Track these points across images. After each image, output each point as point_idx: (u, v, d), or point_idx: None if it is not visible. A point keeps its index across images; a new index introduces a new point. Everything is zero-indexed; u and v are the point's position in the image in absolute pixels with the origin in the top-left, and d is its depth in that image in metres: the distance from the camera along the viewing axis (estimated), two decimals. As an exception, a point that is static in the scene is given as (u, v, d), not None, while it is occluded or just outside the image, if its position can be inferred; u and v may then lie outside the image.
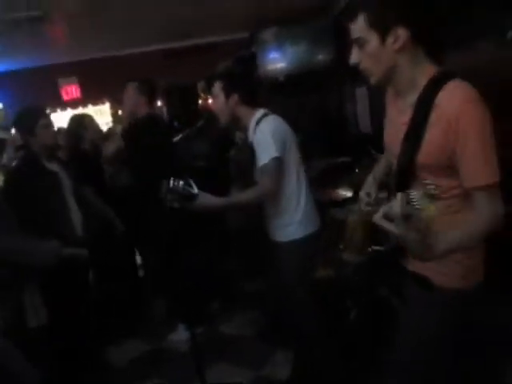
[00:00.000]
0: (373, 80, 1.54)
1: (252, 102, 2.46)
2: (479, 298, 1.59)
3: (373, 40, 1.44)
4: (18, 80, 5.83)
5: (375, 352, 2.57)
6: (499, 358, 2.21)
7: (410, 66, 1.47)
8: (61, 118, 5.58)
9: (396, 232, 1.20)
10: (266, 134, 2.29)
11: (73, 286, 2.90)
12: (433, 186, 1.21)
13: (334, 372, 2.54)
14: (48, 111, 5.12)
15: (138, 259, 4.45)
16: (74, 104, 6.26)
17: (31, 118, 2.85)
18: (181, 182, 2.13)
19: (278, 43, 5.60)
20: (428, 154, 1.44)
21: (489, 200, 1.40)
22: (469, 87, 1.40)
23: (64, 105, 6.23)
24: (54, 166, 2.97)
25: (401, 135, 1.52)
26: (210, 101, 2.59)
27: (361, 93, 5.18)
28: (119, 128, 4.60)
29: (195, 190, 2.16)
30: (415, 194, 1.18)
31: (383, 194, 1.76)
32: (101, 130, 4.56)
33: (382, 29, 1.42)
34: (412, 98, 1.48)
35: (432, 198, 1.17)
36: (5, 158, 3.84)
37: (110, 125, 6.13)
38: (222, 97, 2.41)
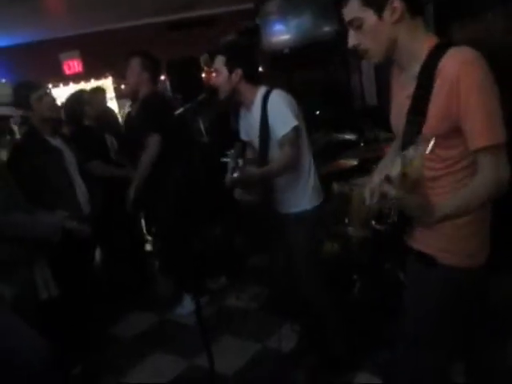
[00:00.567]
0: (375, 60, 1.52)
1: (255, 78, 2.43)
2: (483, 277, 1.57)
3: (369, 17, 1.42)
4: (20, 55, 5.78)
5: (380, 324, 2.61)
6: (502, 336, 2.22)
7: (410, 38, 1.45)
8: (63, 93, 5.53)
9: (394, 194, 1.21)
10: (281, 105, 2.31)
11: (79, 260, 2.93)
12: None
13: (340, 343, 2.57)
14: (50, 86, 5.12)
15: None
16: (76, 79, 6.21)
17: (24, 93, 2.81)
18: (240, 161, 2.18)
19: (282, 15, 5.49)
20: (434, 123, 1.41)
21: (492, 162, 1.36)
22: (470, 50, 1.38)
23: (66, 80, 6.18)
24: (57, 142, 2.95)
25: (404, 111, 1.50)
26: (213, 74, 2.53)
27: (367, 64, 5.10)
28: (128, 105, 4.58)
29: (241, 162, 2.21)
30: (410, 152, 1.18)
31: None
32: (105, 105, 4.55)
33: (378, 4, 1.41)
34: (414, 69, 1.46)
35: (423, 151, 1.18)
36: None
37: (114, 99, 6.08)
38: (224, 71, 2.37)
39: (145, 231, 4.56)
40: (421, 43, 1.45)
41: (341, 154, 3.59)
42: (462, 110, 1.36)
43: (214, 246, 3.92)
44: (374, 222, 1.61)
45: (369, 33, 1.45)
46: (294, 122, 2.30)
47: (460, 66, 1.35)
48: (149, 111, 3.26)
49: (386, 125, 2.01)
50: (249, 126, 2.50)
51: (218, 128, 4.09)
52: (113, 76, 6.29)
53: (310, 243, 2.49)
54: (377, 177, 1.72)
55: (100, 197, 3.14)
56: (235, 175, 2.20)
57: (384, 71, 1.81)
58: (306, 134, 2.46)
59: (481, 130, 1.36)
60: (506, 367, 1.95)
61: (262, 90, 2.39)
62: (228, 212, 3.73)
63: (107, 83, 6.29)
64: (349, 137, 3.98)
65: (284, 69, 5.58)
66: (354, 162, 3.37)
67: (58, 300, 2.56)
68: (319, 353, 2.67)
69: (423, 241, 1.54)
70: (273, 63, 5.65)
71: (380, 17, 1.41)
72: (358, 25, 1.45)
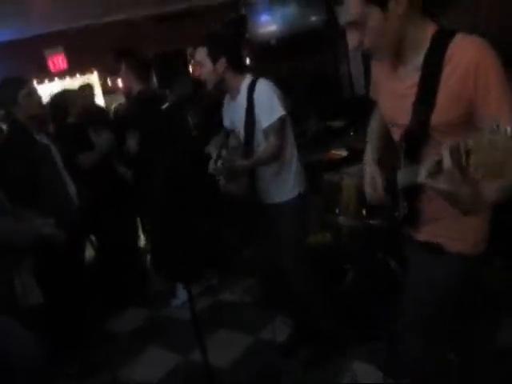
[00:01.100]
0: (380, 55, 1.48)
1: (240, 66, 2.42)
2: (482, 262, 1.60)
3: (374, 14, 1.35)
4: (4, 52, 5.70)
5: (373, 312, 2.62)
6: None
7: (412, 29, 1.41)
8: (49, 90, 5.47)
9: (447, 189, 1.11)
10: (269, 94, 2.31)
11: (69, 260, 2.90)
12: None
13: (330, 332, 2.58)
14: (35, 83, 5.06)
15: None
16: (61, 75, 6.14)
17: (12, 89, 2.78)
18: (224, 152, 2.19)
19: (268, 6, 5.46)
20: (444, 110, 1.39)
21: None
22: (476, 37, 1.36)
23: (51, 76, 6.11)
24: (43, 138, 2.93)
25: (406, 102, 1.47)
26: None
27: (354, 54, 5.08)
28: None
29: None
30: (460, 143, 1.07)
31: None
32: (92, 101, 4.53)
33: None
34: (416, 60, 1.43)
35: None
36: None
37: (100, 96, 6.02)
38: (208, 62, 2.36)
39: (139, 227, 4.56)
40: (422, 32, 1.41)
41: (331, 142, 3.59)
42: (481, 96, 1.33)
43: (203, 240, 3.91)
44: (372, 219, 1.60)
45: (375, 30, 1.37)
46: (280, 112, 2.30)
47: (476, 51, 1.33)
48: (132, 109, 3.26)
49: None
50: (234, 114, 2.48)
51: (206, 121, 4.06)
52: (98, 71, 6.23)
53: (295, 232, 2.49)
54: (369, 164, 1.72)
55: (87, 190, 3.13)
56: (219, 164, 2.19)
57: (371, 60, 1.79)
58: (290, 123, 2.46)
59: (506, 113, 1.31)
60: (495, 348, 1.97)
61: (247, 79, 2.38)
62: (216, 205, 3.72)
63: (93, 78, 6.23)
64: (339, 124, 3.99)
65: (271, 59, 5.55)
66: (344, 154, 3.37)
67: (46, 303, 2.55)
68: (312, 342, 2.68)
69: (429, 231, 1.54)
70: (260, 54, 5.62)
71: (385, 11, 1.34)
72: (361, 24, 1.37)
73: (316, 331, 2.63)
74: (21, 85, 2.82)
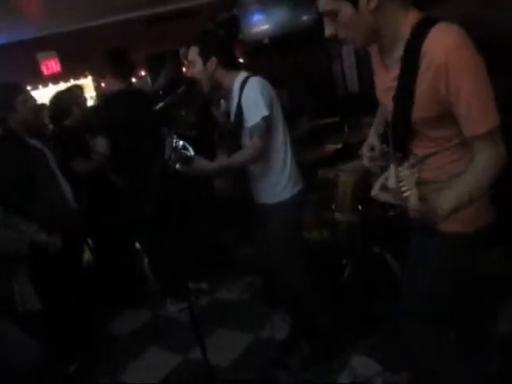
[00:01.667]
0: (357, 44, 1.49)
1: (232, 64, 2.42)
2: (482, 244, 1.57)
3: (345, 9, 1.35)
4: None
5: (371, 307, 2.63)
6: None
7: (391, 22, 1.39)
8: (42, 95, 5.45)
9: (395, 203, 1.24)
10: (255, 93, 2.28)
11: (67, 263, 2.90)
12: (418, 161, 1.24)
13: (329, 329, 2.58)
14: (29, 88, 5.04)
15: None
16: (55, 79, 6.12)
17: (9, 94, 2.77)
18: (180, 143, 2.09)
19: (260, 5, 5.47)
20: (422, 107, 1.39)
21: (492, 145, 1.35)
22: (454, 29, 1.33)
23: (45, 81, 6.09)
24: (36, 143, 2.92)
25: (392, 92, 1.47)
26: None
27: (347, 51, 5.10)
28: None
29: (192, 153, 2.13)
30: (404, 172, 1.21)
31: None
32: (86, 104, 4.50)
33: None
34: (398, 51, 1.42)
35: (419, 176, 1.21)
36: None
37: (94, 98, 6.02)
38: (199, 62, 2.36)
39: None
40: (402, 24, 1.39)
41: (325, 139, 3.60)
42: (454, 96, 1.32)
43: (199, 240, 3.91)
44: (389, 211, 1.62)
45: (346, 24, 1.39)
46: (264, 112, 2.25)
47: (446, 50, 1.30)
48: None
49: (368, 110, 2.01)
50: (231, 112, 2.48)
51: (201, 120, 4.06)
52: (92, 75, 6.22)
53: (289, 232, 2.46)
54: (366, 148, 1.76)
55: (84, 194, 3.12)
56: (177, 167, 2.11)
57: (365, 58, 1.80)
58: (283, 122, 2.42)
59: (476, 116, 1.33)
60: (494, 332, 1.98)
61: (241, 76, 2.37)
62: (211, 205, 3.73)
63: (87, 82, 6.22)
64: (333, 121, 4.00)
65: (265, 58, 5.56)
66: (339, 146, 3.38)
67: (45, 307, 2.55)
68: (310, 338, 2.68)
69: None
70: (253, 53, 5.63)
71: (356, 8, 1.34)
72: (333, 15, 1.39)
73: (314, 328, 2.63)
74: (18, 91, 2.81)
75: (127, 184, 3.63)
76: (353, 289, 2.76)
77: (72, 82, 6.06)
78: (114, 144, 3.45)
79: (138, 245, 4.57)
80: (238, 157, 2.34)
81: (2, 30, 5.14)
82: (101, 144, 3.46)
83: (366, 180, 2.66)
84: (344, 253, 2.93)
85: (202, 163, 2.22)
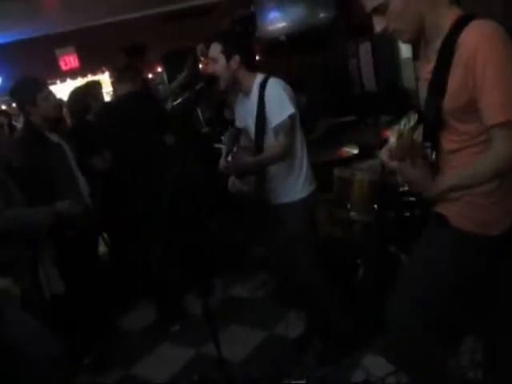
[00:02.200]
0: (405, 37, 1.56)
1: (252, 64, 2.43)
2: (497, 251, 1.56)
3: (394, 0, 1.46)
4: (16, 52, 5.76)
5: (384, 307, 2.61)
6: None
7: (434, 13, 1.48)
8: (60, 89, 5.51)
9: (394, 166, 1.45)
10: (279, 92, 2.31)
11: (84, 255, 2.94)
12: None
13: (342, 326, 2.59)
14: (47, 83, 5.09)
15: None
16: (72, 74, 6.18)
17: (31, 89, 2.81)
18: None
19: (277, 2, 5.45)
20: (453, 97, 1.44)
21: (505, 136, 1.38)
22: (488, 23, 1.39)
23: (63, 76, 6.15)
24: (55, 137, 2.96)
25: (426, 86, 1.53)
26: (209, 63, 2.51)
27: (364, 49, 5.07)
28: None
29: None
30: (401, 124, 1.41)
31: None
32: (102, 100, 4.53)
33: None
34: (437, 44, 1.49)
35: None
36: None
37: (111, 94, 6.05)
38: (222, 59, 2.35)
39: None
40: (444, 17, 1.48)
41: (342, 138, 3.59)
42: (478, 85, 1.38)
43: (212, 239, 3.92)
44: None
45: (395, 14, 1.48)
46: (290, 110, 2.29)
47: (478, 38, 1.37)
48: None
49: (384, 109, 2.01)
50: (245, 113, 2.48)
51: (217, 118, 4.08)
52: (109, 70, 6.26)
53: (305, 229, 2.48)
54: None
55: (98, 190, 3.15)
56: (229, 159, 2.19)
57: (382, 56, 1.83)
58: (299, 122, 2.45)
59: (496, 106, 1.37)
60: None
61: (259, 77, 2.38)
62: (224, 205, 3.74)
63: (104, 78, 6.27)
64: (349, 118, 3.99)
65: (281, 56, 5.55)
66: (355, 151, 3.37)
67: (65, 295, 2.60)
68: (324, 336, 2.69)
69: (446, 205, 1.56)
70: (270, 51, 5.63)
71: None
72: (383, 10, 1.48)
73: (328, 325, 2.63)
74: (39, 86, 2.86)
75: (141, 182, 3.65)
76: (367, 288, 2.75)
77: (89, 78, 6.12)
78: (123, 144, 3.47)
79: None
80: (269, 153, 2.37)
81: (21, 26, 5.21)
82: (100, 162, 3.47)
83: (382, 179, 2.67)
84: (359, 252, 2.92)
85: (245, 157, 2.29)
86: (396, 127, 1.44)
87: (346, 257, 2.94)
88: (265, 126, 2.38)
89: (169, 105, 3.68)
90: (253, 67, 2.43)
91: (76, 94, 3.77)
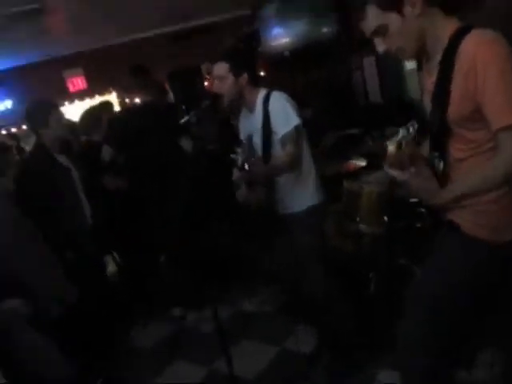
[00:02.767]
0: (408, 55, 1.59)
1: (256, 80, 2.46)
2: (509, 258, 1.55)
3: (393, 20, 1.49)
4: (24, 76, 5.85)
5: (396, 320, 2.58)
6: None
7: (434, 27, 1.51)
8: (69, 111, 5.58)
9: (398, 176, 1.49)
10: (283, 104, 2.35)
11: (87, 277, 2.94)
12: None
13: (354, 339, 2.56)
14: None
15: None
16: (80, 96, 6.26)
17: (45, 111, 2.86)
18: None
19: (280, 18, 5.50)
20: (457, 106, 1.45)
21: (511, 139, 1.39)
22: (487, 31, 1.41)
23: (71, 97, 6.23)
24: (63, 159, 2.99)
25: (430, 97, 1.56)
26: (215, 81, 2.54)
27: (369, 62, 5.09)
28: None
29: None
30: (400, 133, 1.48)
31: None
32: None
33: (396, 4, 1.46)
34: (437, 57, 1.51)
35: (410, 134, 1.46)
36: None
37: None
38: (230, 77, 2.38)
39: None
40: (443, 30, 1.50)
41: (349, 151, 3.59)
42: (480, 91, 1.39)
43: (219, 252, 3.92)
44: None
45: (397, 34, 1.51)
46: (295, 121, 2.33)
47: (477, 47, 1.39)
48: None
49: (390, 120, 2.01)
50: (250, 128, 2.51)
51: (223, 134, 4.11)
52: (117, 91, 6.34)
53: (315, 238, 2.49)
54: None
55: (100, 210, 3.18)
56: (246, 167, 2.26)
57: (386, 68, 1.86)
58: (305, 134, 2.48)
59: (500, 110, 1.38)
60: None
61: (262, 92, 2.42)
62: (232, 217, 3.74)
63: (112, 98, 6.34)
64: (355, 132, 3.99)
65: (286, 71, 5.59)
66: (363, 163, 3.38)
67: (73, 314, 2.59)
68: (334, 350, 2.66)
69: (457, 212, 1.56)
70: (274, 66, 5.67)
71: (402, 15, 1.47)
72: (383, 31, 1.51)
73: (339, 338, 2.60)
74: (52, 109, 2.92)
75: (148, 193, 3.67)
76: (379, 301, 2.72)
77: (97, 98, 6.20)
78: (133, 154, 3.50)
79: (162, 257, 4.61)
80: (279, 162, 2.40)
81: (29, 50, 5.30)
82: (105, 150, 3.51)
83: (390, 190, 2.65)
84: (370, 265, 2.89)
85: (261, 165, 2.35)
86: (394, 138, 1.48)
87: (358, 270, 2.92)
88: (271, 138, 2.40)
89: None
90: (257, 82, 2.46)
91: (90, 113, 3.83)
